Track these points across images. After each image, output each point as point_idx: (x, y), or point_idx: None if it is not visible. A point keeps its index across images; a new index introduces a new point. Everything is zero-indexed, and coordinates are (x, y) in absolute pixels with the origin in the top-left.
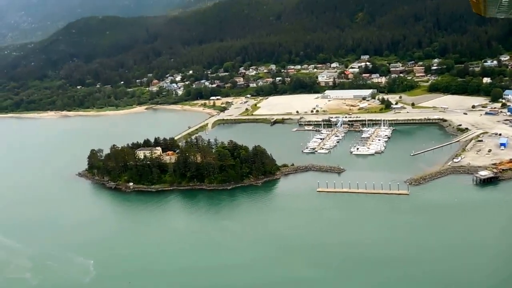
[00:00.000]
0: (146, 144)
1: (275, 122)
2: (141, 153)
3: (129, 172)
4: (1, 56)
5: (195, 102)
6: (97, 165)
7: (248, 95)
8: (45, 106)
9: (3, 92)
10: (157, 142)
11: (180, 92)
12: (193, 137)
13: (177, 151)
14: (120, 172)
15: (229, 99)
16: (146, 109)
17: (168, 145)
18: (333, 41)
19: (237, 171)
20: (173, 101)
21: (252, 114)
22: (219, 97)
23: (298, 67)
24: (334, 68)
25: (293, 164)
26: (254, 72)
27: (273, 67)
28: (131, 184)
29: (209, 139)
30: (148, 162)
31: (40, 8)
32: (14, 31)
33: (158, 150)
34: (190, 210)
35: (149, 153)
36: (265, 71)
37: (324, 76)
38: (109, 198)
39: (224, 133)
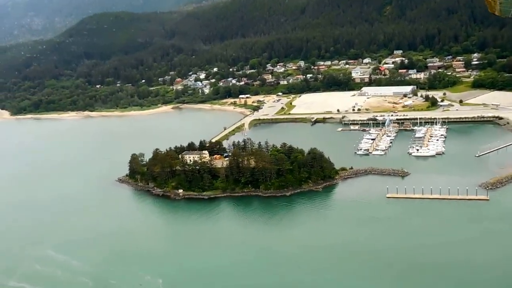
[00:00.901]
0: (191, 147)
1: (316, 121)
2: (189, 158)
3: (177, 178)
4: (12, 55)
5: (224, 100)
6: (139, 171)
7: (279, 93)
8: (66, 106)
9: (18, 92)
10: (202, 145)
11: (206, 91)
12: (236, 139)
13: (224, 155)
14: (167, 178)
15: (259, 98)
16: (172, 108)
17: (213, 148)
18: (363, 36)
19: (295, 176)
20: (200, 100)
21: (289, 113)
22: (248, 96)
23: (329, 63)
24: (366, 64)
25: (351, 168)
26: (283, 69)
27: (302, 63)
28: (180, 191)
29: (259, 142)
30: (198, 167)
31: (48, 5)
32: (23, 29)
33: (206, 154)
34: (249, 219)
35: (197, 157)
36: (293, 67)
37: (357, 72)
38: (158, 206)
39: (263, 134)
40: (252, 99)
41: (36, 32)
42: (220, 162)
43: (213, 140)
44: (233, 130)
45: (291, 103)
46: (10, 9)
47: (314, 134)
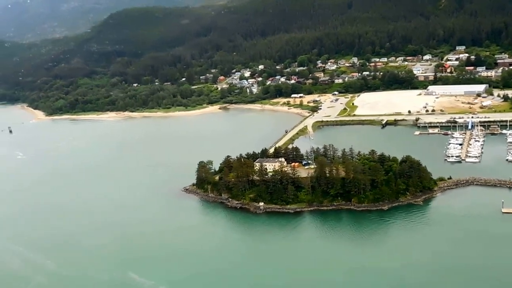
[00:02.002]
0: (264, 154)
1: (386, 124)
2: (269, 166)
3: (256, 189)
4: (38, 52)
5: (275, 100)
6: (210, 180)
7: (335, 92)
8: (103, 106)
9: (51, 91)
10: (277, 152)
11: (254, 90)
12: (303, 144)
13: (303, 163)
14: (244, 189)
15: (313, 97)
16: (219, 108)
17: (289, 155)
18: (420, 31)
19: (391, 188)
20: (249, 99)
21: (353, 115)
22: (301, 95)
23: (385, 59)
24: (427, 60)
25: (450, 177)
26: (334, 66)
27: (355, 60)
28: (261, 204)
29: (343, 149)
30: (279, 176)
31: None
32: (44, 25)
33: (283, 162)
34: (339, 235)
35: (278, 166)
36: (346, 64)
37: (419, 69)
38: (236, 220)
39: (330, 138)
40: (306, 99)
41: (60, 29)
42: (305, 172)
43: (278, 145)
44: (297, 134)
45: (352, 103)
46: (29, 4)
47: (388, 138)
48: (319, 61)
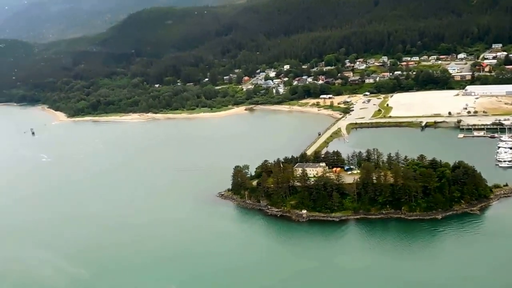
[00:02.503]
0: (303, 158)
1: (426, 125)
2: (310, 171)
3: (298, 196)
4: (56, 52)
5: (304, 101)
6: (247, 185)
7: (367, 93)
8: (126, 107)
9: (72, 92)
10: (317, 157)
11: (281, 90)
12: (336, 147)
13: (346, 168)
14: (285, 196)
15: (343, 98)
16: (245, 110)
17: (330, 159)
18: (453, 29)
19: (445, 195)
20: (276, 100)
21: (389, 116)
22: (331, 96)
23: (416, 58)
24: (462, 59)
25: (506, 184)
26: (364, 65)
27: (384, 59)
28: (304, 211)
29: (389, 154)
30: (323, 183)
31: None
32: (61, 26)
33: (324, 167)
34: (389, 246)
35: (321, 171)
36: (376, 64)
37: (454, 68)
38: (279, 229)
39: (366, 140)
40: (336, 100)
41: (76, 30)
42: (349, 178)
43: (313, 148)
44: (331, 136)
45: (387, 104)
46: (48, 4)
47: (430, 141)
48: (347, 60)
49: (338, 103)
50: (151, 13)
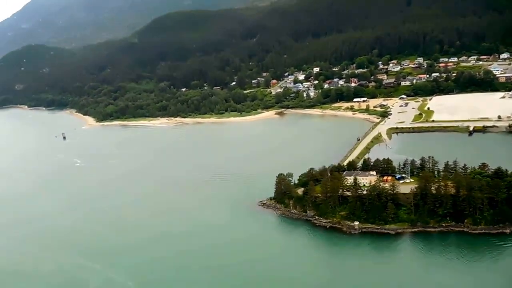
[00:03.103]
0: (352, 166)
1: (474, 130)
2: (362, 180)
3: (348, 207)
4: (83, 57)
5: (337, 105)
6: (292, 194)
7: (403, 96)
8: (155, 112)
9: (99, 96)
10: (366, 164)
11: (312, 94)
12: (378, 155)
13: (397, 177)
14: (334, 206)
15: (378, 101)
16: (276, 114)
17: (379, 167)
18: (495, 27)
19: None
20: (307, 104)
21: (432, 121)
22: (365, 99)
23: (455, 59)
24: (505, 59)
25: None
26: (398, 67)
27: (420, 60)
28: (356, 223)
29: (447, 162)
30: (376, 192)
31: (109, 5)
32: (85, 31)
33: (375, 176)
34: (461, 265)
35: (374, 180)
36: (411, 65)
37: (498, 69)
38: (330, 242)
39: (410, 146)
40: (371, 103)
41: (101, 35)
42: (403, 187)
43: (354, 155)
44: (371, 142)
45: (428, 108)
46: (71, 11)
47: (481, 147)
48: (380, 62)
49: (374, 107)
50: (175, 17)
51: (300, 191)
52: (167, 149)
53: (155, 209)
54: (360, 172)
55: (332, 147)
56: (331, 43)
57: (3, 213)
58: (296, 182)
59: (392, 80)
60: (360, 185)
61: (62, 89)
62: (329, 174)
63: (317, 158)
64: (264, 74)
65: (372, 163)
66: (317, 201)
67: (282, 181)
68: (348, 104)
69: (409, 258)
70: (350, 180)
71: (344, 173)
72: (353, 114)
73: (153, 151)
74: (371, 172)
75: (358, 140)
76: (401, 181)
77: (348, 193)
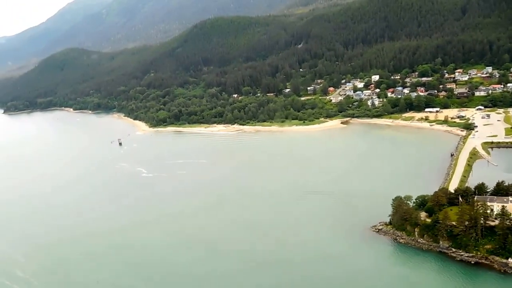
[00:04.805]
0: (481, 190)
1: None
2: (510, 207)
3: (496, 239)
4: (122, 60)
5: (408, 115)
6: (417, 221)
7: (480, 107)
8: (210, 118)
9: (147, 101)
10: (499, 188)
11: (376, 102)
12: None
13: None
14: (477, 238)
15: (452, 112)
16: (341, 123)
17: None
18: None
19: None
20: (374, 113)
21: None
22: (438, 109)
23: None
24: None
25: None
26: (466, 76)
27: (488, 69)
28: (510, 260)
29: None
30: None
31: (142, 10)
32: (120, 35)
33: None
34: None
35: None
36: (478, 75)
37: None
38: (481, 282)
39: None
40: (443, 114)
41: (134, 39)
42: None
43: (458, 174)
44: (471, 158)
45: None
46: (105, 16)
47: None
48: (445, 71)
49: (451, 118)
50: (216, 23)
51: (422, 215)
52: (239, 158)
53: (256, 231)
54: (495, 197)
55: (423, 163)
56: (387, 50)
57: (98, 241)
58: (412, 204)
59: (464, 89)
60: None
61: (107, 92)
62: (460, 199)
63: (412, 176)
64: (319, 81)
65: (505, 186)
66: (454, 231)
67: (401, 205)
68: (421, 115)
69: None
70: (494, 206)
71: (475, 197)
72: (431, 125)
73: (223, 161)
74: (510, 198)
75: (452, 155)
76: None
77: (492, 223)
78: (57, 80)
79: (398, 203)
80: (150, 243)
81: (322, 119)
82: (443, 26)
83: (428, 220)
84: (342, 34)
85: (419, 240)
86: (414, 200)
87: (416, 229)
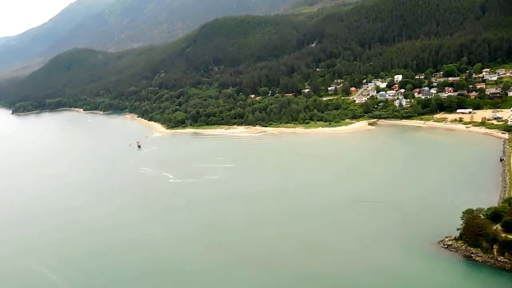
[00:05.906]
0: None
1: None
2: None
3: None
4: (129, 60)
5: (440, 116)
6: (495, 238)
7: None
8: (230, 119)
9: (161, 101)
10: None
11: (404, 103)
12: None
13: None
14: None
15: (486, 113)
16: (369, 124)
17: None
18: None
19: None
20: (403, 114)
21: None
22: (470, 110)
23: None
24: None
25: None
26: (495, 76)
27: None
28: None
29: None
30: None
31: (144, 10)
32: (123, 36)
33: None
34: None
35: None
36: (507, 74)
37: None
38: None
39: None
40: (477, 115)
41: (137, 39)
42: None
43: None
44: None
45: None
46: (107, 16)
47: None
48: (472, 70)
49: (488, 119)
50: (224, 23)
51: (497, 229)
52: (273, 163)
53: (313, 247)
54: None
55: (472, 169)
56: (408, 49)
57: (132, 258)
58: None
59: (496, 89)
60: None
61: (118, 92)
62: None
63: (464, 183)
64: (339, 80)
65: None
66: None
67: (473, 219)
68: (453, 116)
69: None
70: None
71: None
72: (467, 127)
73: (256, 165)
74: None
75: (502, 161)
76: None
77: None
78: (64, 80)
79: (470, 217)
80: (212, 265)
81: (347, 120)
82: (463, 24)
83: (510, 236)
84: (357, 33)
85: (498, 259)
86: (485, 212)
87: (495, 246)
